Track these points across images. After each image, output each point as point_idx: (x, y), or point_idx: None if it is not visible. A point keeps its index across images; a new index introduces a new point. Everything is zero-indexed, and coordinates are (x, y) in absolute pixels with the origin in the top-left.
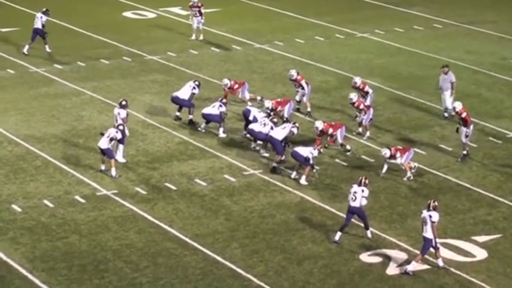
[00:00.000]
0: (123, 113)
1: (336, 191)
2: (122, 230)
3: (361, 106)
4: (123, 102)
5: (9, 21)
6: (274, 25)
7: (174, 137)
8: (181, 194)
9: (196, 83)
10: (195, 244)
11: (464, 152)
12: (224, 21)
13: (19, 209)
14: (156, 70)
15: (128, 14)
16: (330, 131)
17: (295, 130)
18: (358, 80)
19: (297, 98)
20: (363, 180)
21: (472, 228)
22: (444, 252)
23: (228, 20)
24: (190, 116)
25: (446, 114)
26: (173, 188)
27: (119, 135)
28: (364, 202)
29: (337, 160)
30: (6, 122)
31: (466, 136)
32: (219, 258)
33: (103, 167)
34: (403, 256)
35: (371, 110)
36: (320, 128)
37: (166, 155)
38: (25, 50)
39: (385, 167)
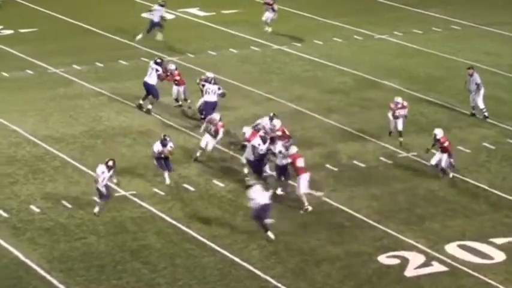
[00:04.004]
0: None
1: (354, 193)
2: (140, 231)
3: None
4: (110, 163)
5: (28, 22)
6: (293, 26)
7: (192, 138)
8: (199, 195)
9: (159, 60)
10: (213, 245)
11: (451, 176)
12: (242, 22)
13: (37, 210)
14: None
15: (146, 14)
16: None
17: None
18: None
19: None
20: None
21: (491, 231)
22: (462, 254)
23: (246, 21)
24: (149, 106)
25: (486, 114)
26: (191, 189)
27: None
28: None
29: (354, 162)
30: (25, 122)
31: (452, 165)
32: (237, 259)
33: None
34: (421, 258)
35: None
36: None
37: (185, 156)
38: (137, 38)
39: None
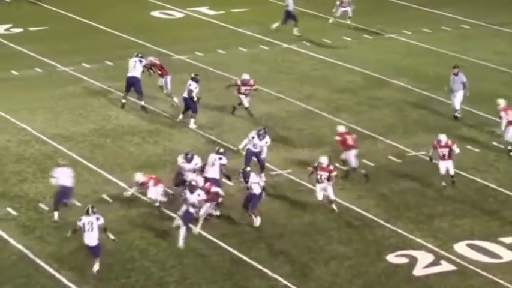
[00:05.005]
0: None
1: (362, 192)
2: (149, 230)
3: None
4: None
5: (37, 20)
6: (302, 25)
7: (201, 137)
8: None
9: (140, 55)
10: (222, 244)
11: (363, 171)
12: (252, 21)
13: (46, 208)
14: (184, 70)
15: (155, 13)
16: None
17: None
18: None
19: None
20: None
21: (499, 230)
22: (471, 253)
23: (255, 20)
24: (142, 103)
25: (457, 115)
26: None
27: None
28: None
29: (364, 160)
30: (34, 120)
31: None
32: (245, 258)
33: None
34: (430, 257)
35: None
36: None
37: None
38: (274, 26)
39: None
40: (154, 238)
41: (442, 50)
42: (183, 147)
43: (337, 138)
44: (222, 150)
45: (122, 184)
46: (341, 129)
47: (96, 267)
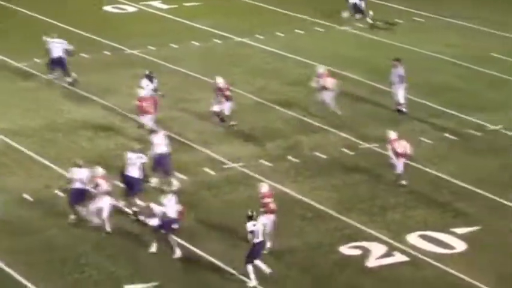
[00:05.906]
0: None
1: (315, 184)
2: (101, 224)
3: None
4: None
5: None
6: (255, 18)
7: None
8: (160, 188)
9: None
10: (179, 239)
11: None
12: (205, 15)
13: None
14: (137, 64)
15: (108, 8)
16: None
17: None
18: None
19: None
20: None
21: (452, 221)
22: (424, 244)
23: (208, 14)
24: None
25: (403, 110)
26: (151, 182)
27: None
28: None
29: (316, 153)
30: None
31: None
32: (197, 251)
33: None
34: (382, 248)
35: None
36: None
37: (146, 149)
38: (344, 15)
39: None
40: (107, 233)
41: (394, 43)
42: (135, 142)
43: (137, 103)
44: (138, 147)
45: None
46: (141, 93)
47: None
